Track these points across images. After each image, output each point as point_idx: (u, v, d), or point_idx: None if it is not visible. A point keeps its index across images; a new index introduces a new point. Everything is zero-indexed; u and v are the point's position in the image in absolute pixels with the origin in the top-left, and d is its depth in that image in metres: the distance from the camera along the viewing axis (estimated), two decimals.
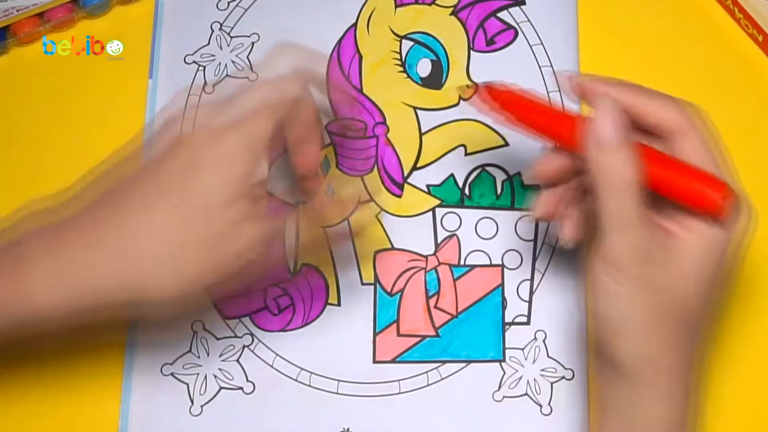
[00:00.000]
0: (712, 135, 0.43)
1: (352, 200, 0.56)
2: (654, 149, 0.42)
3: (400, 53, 0.62)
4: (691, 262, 0.41)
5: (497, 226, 0.58)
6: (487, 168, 0.59)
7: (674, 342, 0.42)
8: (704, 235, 0.41)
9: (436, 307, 0.56)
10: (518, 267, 0.57)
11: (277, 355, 0.56)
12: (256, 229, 0.46)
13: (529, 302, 0.57)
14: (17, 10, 0.62)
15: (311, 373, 0.56)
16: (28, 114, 0.63)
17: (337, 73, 0.62)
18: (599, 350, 0.45)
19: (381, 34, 0.62)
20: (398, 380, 0.55)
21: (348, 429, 0.54)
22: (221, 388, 0.56)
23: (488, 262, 0.57)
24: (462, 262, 0.57)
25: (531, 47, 0.61)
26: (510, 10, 0.62)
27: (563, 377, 0.55)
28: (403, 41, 0.62)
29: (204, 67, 0.62)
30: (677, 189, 0.41)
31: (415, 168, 0.59)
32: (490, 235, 0.58)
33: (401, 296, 0.57)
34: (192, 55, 0.63)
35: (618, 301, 0.41)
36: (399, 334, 0.56)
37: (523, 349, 0.56)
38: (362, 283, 0.57)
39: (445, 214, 0.58)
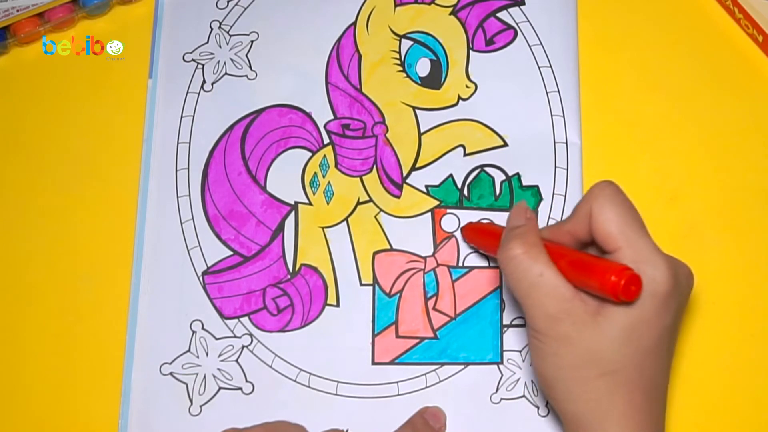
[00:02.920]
0: (620, 203, 0.46)
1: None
2: (562, 247, 0.47)
3: (399, 53, 0.62)
4: (618, 328, 0.44)
5: None
6: (486, 169, 0.59)
7: (617, 393, 0.44)
8: (620, 311, 0.44)
9: (434, 308, 0.56)
10: None
11: (276, 355, 0.56)
12: None
13: None
14: (17, 10, 0.62)
15: (310, 374, 0.56)
16: (28, 114, 0.63)
17: (336, 73, 0.62)
18: (552, 409, 0.52)
19: (380, 34, 0.62)
20: (397, 382, 0.55)
21: (347, 430, 0.55)
22: (220, 388, 0.56)
23: (487, 264, 0.57)
24: (460, 264, 0.57)
25: (530, 47, 0.61)
26: (509, 10, 0.62)
27: None
28: (403, 41, 0.62)
29: (203, 66, 0.62)
30: (584, 282, 0.44)
31: (414, 168, 0.59)
32: None
33: (400, 297, 0.57)
34: (191, 53, 0.63)
35: (543, 356, 0.46)
36: (398, 336, 0.56)
37: (520, 352, 0.56)
38: (361, 284, 0.57)
39: (444, 215, 0.58)
